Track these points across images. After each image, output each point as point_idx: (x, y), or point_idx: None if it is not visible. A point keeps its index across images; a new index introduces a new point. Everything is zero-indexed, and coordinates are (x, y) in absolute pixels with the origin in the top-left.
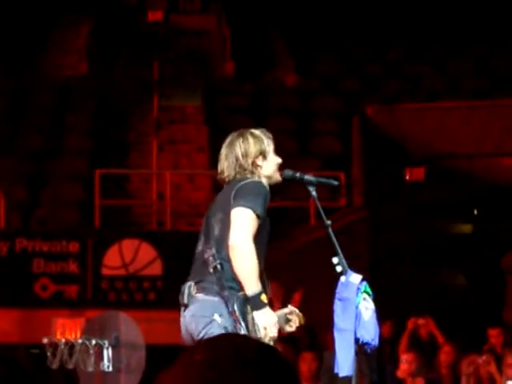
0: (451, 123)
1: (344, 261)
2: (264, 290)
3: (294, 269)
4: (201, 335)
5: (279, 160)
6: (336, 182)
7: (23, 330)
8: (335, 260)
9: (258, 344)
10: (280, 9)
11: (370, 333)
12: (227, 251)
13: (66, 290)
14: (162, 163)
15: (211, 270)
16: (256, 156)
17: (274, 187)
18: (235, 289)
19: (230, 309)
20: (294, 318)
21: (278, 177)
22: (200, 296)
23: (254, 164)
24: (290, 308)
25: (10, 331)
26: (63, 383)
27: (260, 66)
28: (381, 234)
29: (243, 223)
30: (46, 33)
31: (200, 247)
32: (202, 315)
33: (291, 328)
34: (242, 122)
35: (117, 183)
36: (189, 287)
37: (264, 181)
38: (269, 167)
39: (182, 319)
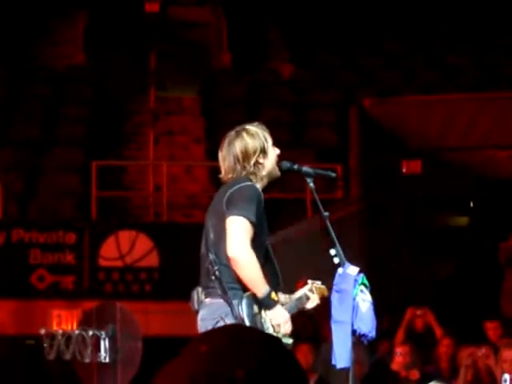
0: (448, 116)
1: (341, 252)
2: (277, 286)
3: (291, 260)
4: None
5: (277, 151)
6: (334, 174)
7: (20, 321)
8: (333, 252)
9: (262, 335)
10: (276, 0)
11: (367, 325)
12: (223, 255)
13: (63, 281)
14: (158, 154)
15: (212, 277)
16: (257, 155)
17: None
18: (238, 289)
19: (236, 310)
20: (313, 295)
21: (277, 172)
22: (207, 300)
23: (256, 164)
24: (310, 285)
25: (7, 322)
26: (60, 374)
27: (256, 58)
28: (377, 226)
29: (238, 233)
30: (42, 22)
31: (202, 250)
32: (210, 317)
33: (313, 304)
34: (239, 114)
35: (113, 174)
36: (197, 293)
37: (265, 180)
38: (269, 163)
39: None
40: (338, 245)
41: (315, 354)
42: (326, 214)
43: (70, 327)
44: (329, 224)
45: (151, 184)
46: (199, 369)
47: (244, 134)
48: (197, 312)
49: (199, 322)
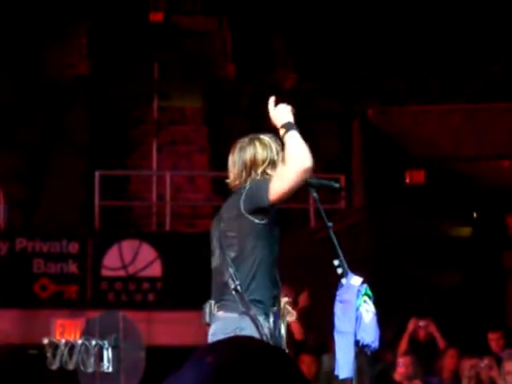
0: (452, 126)
1: (345, 263)
2: (277, 291)
3: (294, 271)
4: None
5: None
6: (337, 185)
7: (22, 331)
8: (336, 262)
9: (268, 347)
10: (280, 11)
11: (371, 335)
12: (247, 269)
13: (66, 291)
14: (161, 164)
15: (233, 292)
16: (266, 165)
17: None
18: (261, 305)
19: (261, 326)
20: (291, 309)
21: None
22: (220, 314)
23: (263, 173)
24: (286, 299)
25: (10, 331)
26: None
27: (260, 68)
28: (380, 236)
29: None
30: (47, 32)
31: (214, 264)
32: (223, 332)
33: (292, 317)
34: (242, 124)
35: (117, 184)
36: (210, 306)
37: None
38: None
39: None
40: (341, 255)
41: (318, 365)
42: (330, 224)
43: (73, 337)
44: (332, 234)
45: (154, 194)
46: (205, 379)
47: (256, 143)
48: (208, 325)
49: (210, 337)
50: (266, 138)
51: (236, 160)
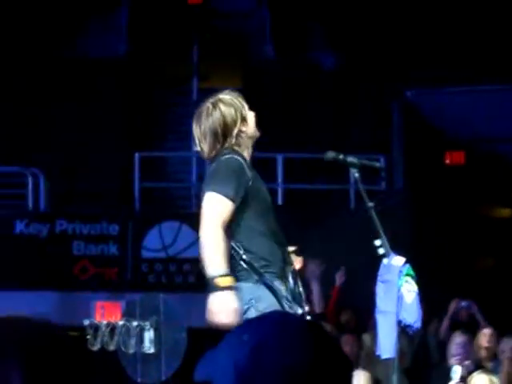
0: (491, 106)
1: (386, 243)
2: (285, 266)
3: (335, 251)
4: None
5: (253, 113)
6: (379, 164)
7: (63, 313)
8: (378, 242)
9: (307, 323)
10: None
11: (413, 315)
12: (244, 239)
13: (106, 273)
14: None
15: (241, 261)
16: (239, 124)
17: (315, 171)
18: (273, 270)
19: (283, 288)
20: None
21: (257, 133)
22: (236, 284)
23: (239, 133)
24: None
25: (50, 314)
26: (104, 365)
27: (299, 49)
28: (420, 217)
29: (209, 212)
30: (85, 12)
31: None
32: (239, 303)
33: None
34: (280, 104)
35: (156, 165)
36: None
37: (249, 146)
38: (251, 129)
39: None
40: (383, 235)
41: (360, 345)
42: (371, 204)
43: (113, 318)
44: (374, 214)
45: (194, 174)
46: (244, 357)
47: (220, 105)
48: None
49: None
50: (226, 96)
51: (206, 130)
